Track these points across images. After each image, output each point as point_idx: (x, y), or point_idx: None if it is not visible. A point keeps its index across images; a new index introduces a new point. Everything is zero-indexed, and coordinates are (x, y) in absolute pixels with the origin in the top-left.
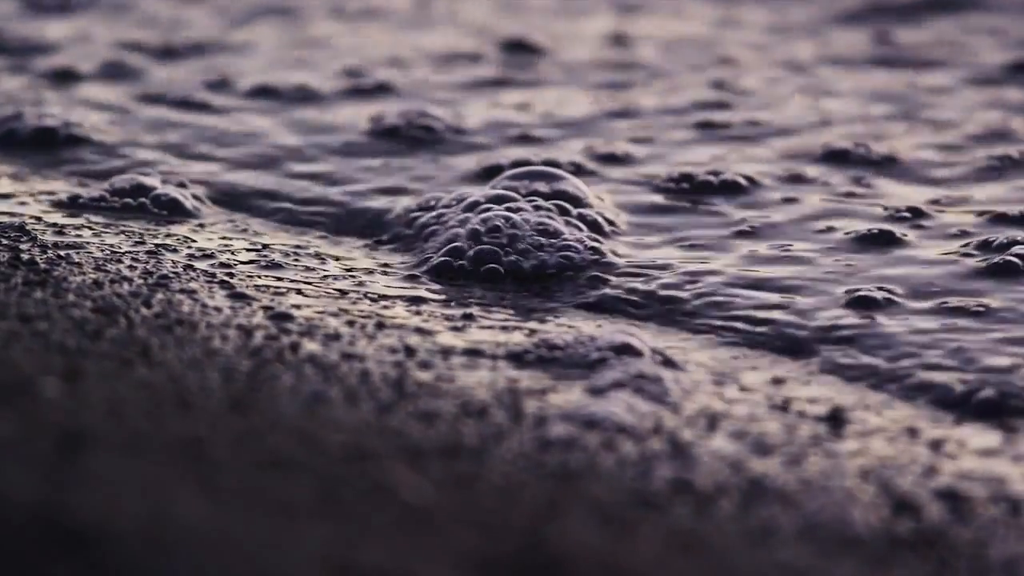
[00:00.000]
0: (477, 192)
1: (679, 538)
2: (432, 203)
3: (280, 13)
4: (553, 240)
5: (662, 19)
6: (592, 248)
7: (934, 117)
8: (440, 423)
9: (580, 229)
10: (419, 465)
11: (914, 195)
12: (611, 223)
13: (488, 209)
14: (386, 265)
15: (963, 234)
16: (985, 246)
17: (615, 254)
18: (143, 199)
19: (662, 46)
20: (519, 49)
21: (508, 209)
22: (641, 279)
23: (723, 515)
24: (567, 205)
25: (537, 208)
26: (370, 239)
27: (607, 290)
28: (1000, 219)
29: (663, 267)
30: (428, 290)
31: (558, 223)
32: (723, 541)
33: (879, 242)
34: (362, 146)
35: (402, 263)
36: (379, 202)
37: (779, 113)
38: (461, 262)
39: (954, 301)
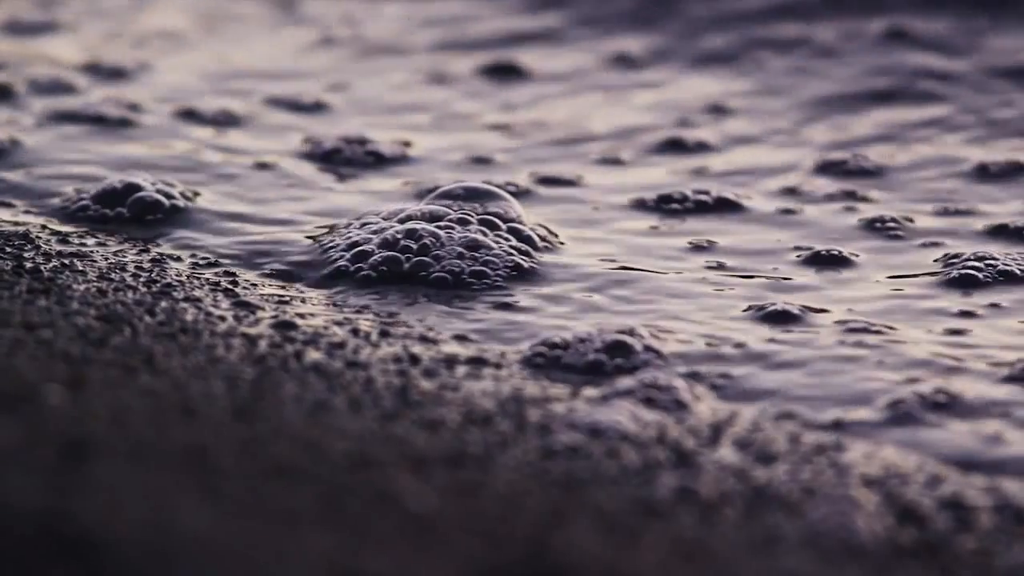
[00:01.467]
0: (411, 207)
1: (683, 546)
2: (364, 219)
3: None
4: (475, 253)
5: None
6: (512, 260)
7: None
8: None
9: (504, 242)
10: (424, 473)
11: None
12: (543, 239)
13: (410, 219)
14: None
15: None
16: None
17: (540, 265)
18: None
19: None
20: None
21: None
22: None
23: (727, 523)
24: (497, 221)
25: (463, 222)
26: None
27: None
28: None
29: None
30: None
31: (484, 237)
32: (727, 549)
33: (828, 263)
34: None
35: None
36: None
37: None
38: (368, 271)
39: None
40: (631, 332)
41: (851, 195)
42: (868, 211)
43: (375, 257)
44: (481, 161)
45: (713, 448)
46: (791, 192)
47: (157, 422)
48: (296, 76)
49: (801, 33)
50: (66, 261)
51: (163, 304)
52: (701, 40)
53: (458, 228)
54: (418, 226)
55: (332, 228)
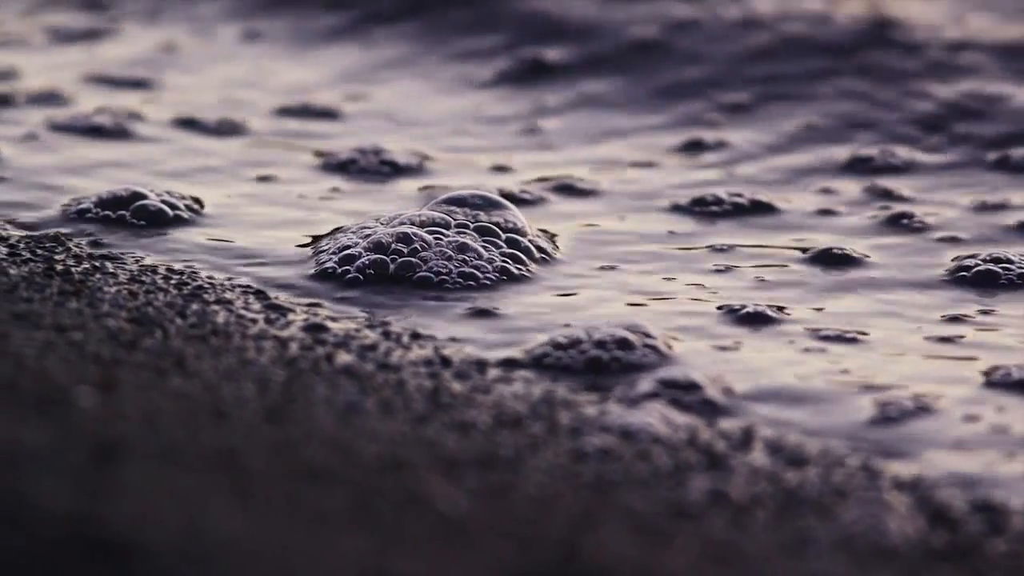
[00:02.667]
0: (409, 213)
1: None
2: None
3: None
4: (463, 257)
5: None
6: (503, 268)
7: None
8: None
9: (495, 250)
10: (455, 475)
11: None
12: (542, 250)
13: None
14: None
15: None
16: None
17: (532, 275)
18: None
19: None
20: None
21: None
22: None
23: (758, 526)
24: (496, 228)
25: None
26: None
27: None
28: None
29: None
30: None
31: (476, 244)
32: (758, 552)
33: (838, 262)
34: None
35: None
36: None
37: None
38: (355, 273)
39: None
40: (633, 330)
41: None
42: (891, 209)
43: (363, 260)
44: (501, 169)
45: (744, 451)
46: (799, 191)
47: (188, 424)
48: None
49: None
50: (97, 263)
51: (194, 306)
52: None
53: (450, 234)
54: (409, 230)
55: (334, 232)
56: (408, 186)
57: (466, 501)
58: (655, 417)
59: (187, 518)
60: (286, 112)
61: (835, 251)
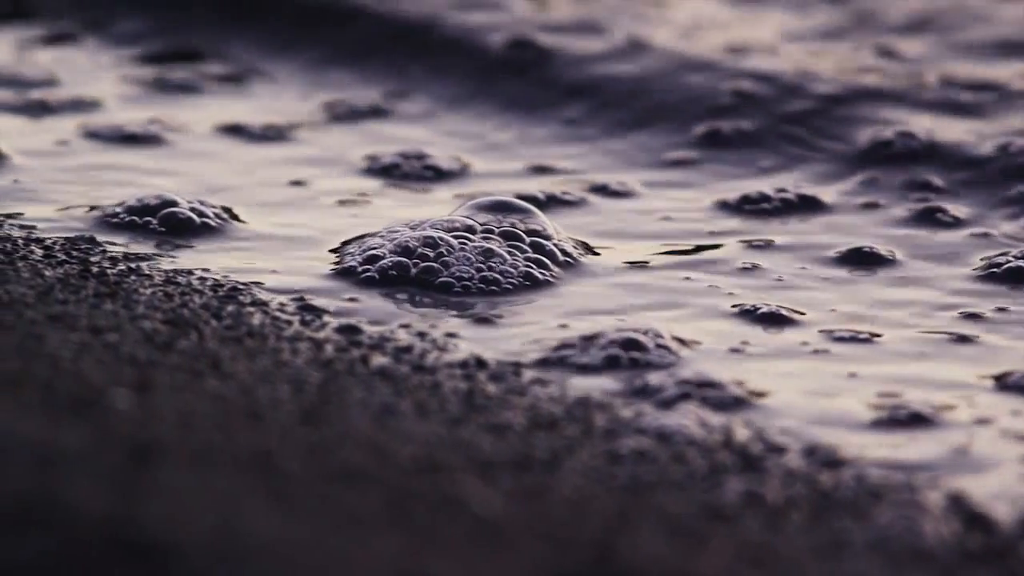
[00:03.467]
0: (435, 218)
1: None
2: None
3: None
4: (487, 263)
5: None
6: (527, 273)
7: None
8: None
9: (518, 256)
10: (490, 477)
11: None
12: (567, 253)
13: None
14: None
15: None
16: None
17: (556, 279)
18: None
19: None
20: None
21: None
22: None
23: (793, 528)
24: (521, 234)
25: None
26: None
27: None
28: None
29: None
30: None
31: (500, 248)
32: (793, 553)
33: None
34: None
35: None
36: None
37: None
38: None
39: None
40: (644, 333)
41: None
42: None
43: (385, 261)
44: (541, 170)
45: (778, 452)
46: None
47: (223, 426)
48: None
49: None
50: (132, 265)
51: (229, 308)
52: None
53: (475, 239)
54: (435, 234)
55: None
56: (447, 192)
57: (501, 503)
58: (690, 419)
59: (222, 520)
60: (332, 115)
61: (865, 250)
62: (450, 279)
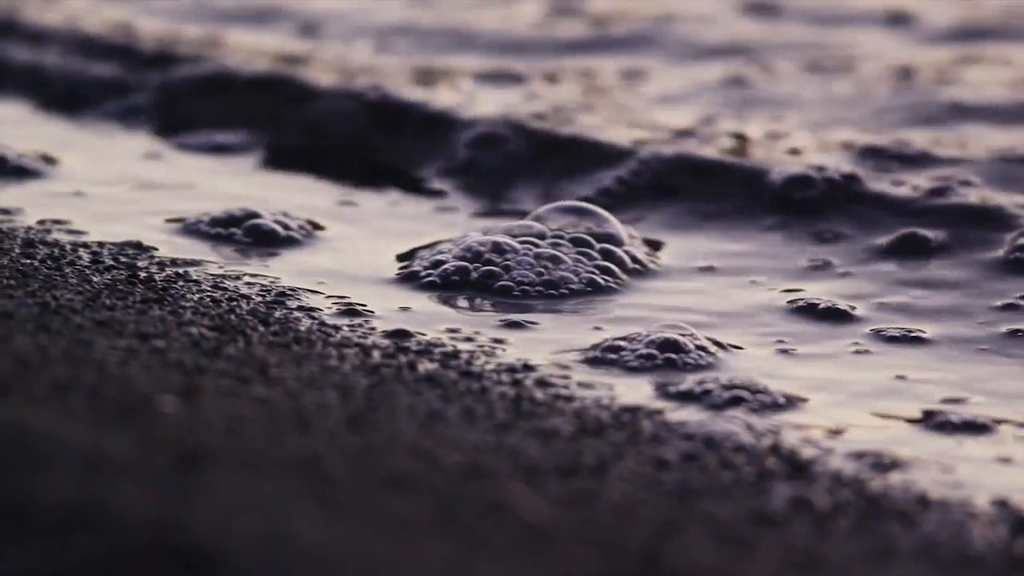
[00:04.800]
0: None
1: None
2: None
3: None
4: (550, 267)
5: None
6: (591, 279)
7: None
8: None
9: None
10: (537, 483)
11: None
12: (636, 260)
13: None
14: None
15: None
16: None
17: (620, 285)
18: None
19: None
20: None
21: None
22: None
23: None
24: (590, 239)
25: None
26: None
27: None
28: None
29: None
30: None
31: (566, 255)
32: (840, 559)
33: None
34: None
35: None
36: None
37: None
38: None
39: None
40: (681, 335)
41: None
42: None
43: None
44: None
45: (826, 457)
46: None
47: (271, 432)
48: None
49: None
50: (179, 271)
51: (277, 314)
52: None
53: (543, 244)
54: (501, 239)
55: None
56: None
57: (548, 509)
58: (737, 424)
59: (269, 525)
60: None
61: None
62: (510, 283)
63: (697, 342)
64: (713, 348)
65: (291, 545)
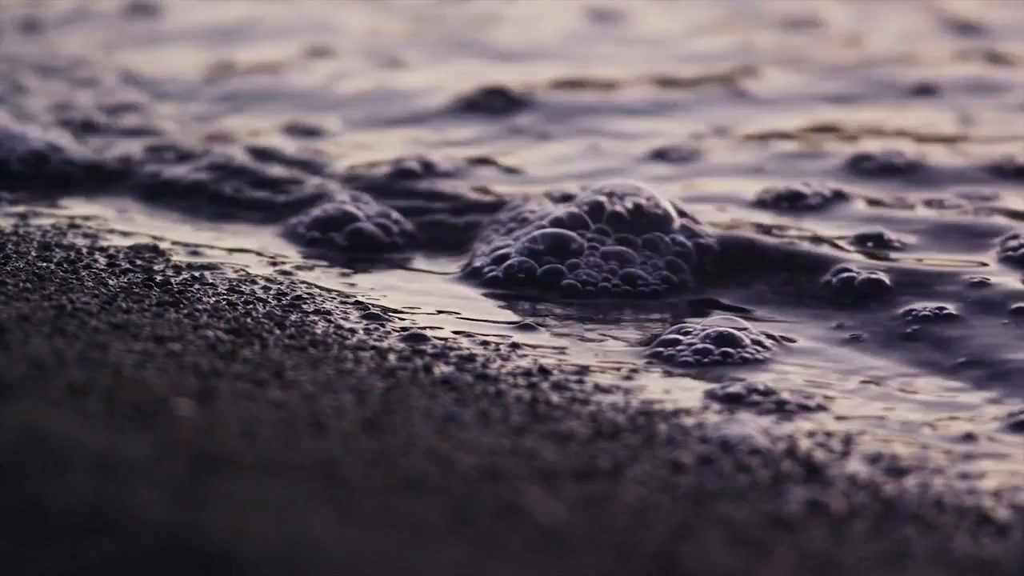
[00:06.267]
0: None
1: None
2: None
3: None
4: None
5: None
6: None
7: None
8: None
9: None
10: (553, 486)
11: None
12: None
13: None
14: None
15: None
16: None
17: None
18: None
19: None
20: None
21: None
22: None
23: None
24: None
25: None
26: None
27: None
28: None
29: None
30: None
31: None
32: (856, 563)
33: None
34: None
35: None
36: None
37: None
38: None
39: None
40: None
41: None
42: None
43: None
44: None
45: (843, 461)
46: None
47: (286, 435)
48: None
49: None
50: (196, 274)
51: (293, 317)
52: None
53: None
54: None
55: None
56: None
57: (564, 512)
58: (753, 427)
59: (285, 529)
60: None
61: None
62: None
63: (716, 339)
64: (731, 350)
65: (307, 548)
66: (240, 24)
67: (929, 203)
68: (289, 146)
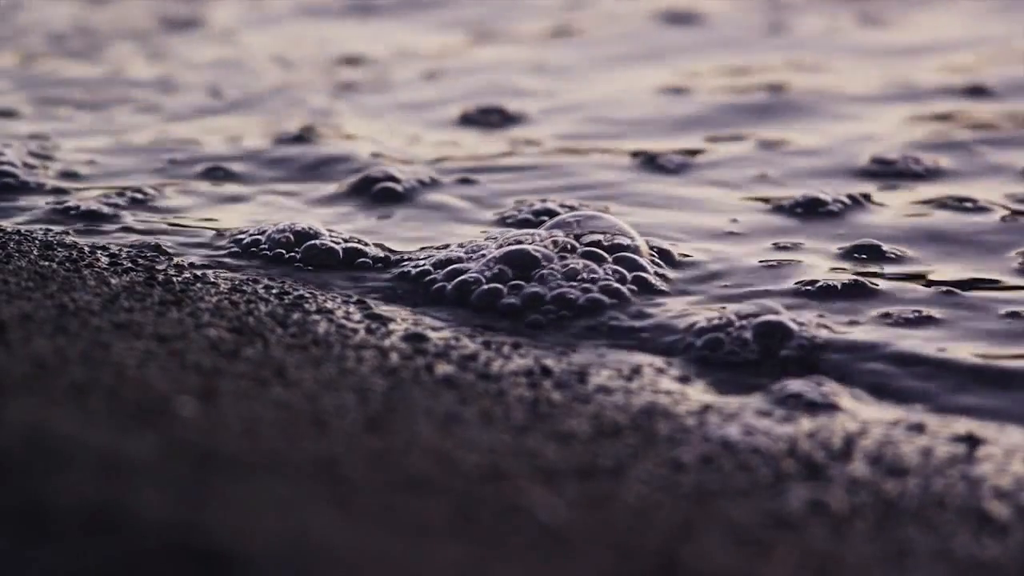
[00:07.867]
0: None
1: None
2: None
3: None
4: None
5: None
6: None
7: None
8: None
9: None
10: (555, 485)
11: None
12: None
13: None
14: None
15: None
16: None
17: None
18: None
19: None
20: None
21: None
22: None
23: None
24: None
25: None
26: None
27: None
28: None
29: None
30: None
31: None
32: (858, 562)
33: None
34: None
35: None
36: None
37: None
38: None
39: None
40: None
41: None
42: None
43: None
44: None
45: (844, 460)
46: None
47: (289, 434)
48: None
49: None
50: (198, 273)
51: (295, 316)
52: None
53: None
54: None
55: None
56: None
57: (566, 511)
58: (754, 426)
59: (287, 528)
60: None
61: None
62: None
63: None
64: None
65: (309, 547)
66: None
67: None
68: None
